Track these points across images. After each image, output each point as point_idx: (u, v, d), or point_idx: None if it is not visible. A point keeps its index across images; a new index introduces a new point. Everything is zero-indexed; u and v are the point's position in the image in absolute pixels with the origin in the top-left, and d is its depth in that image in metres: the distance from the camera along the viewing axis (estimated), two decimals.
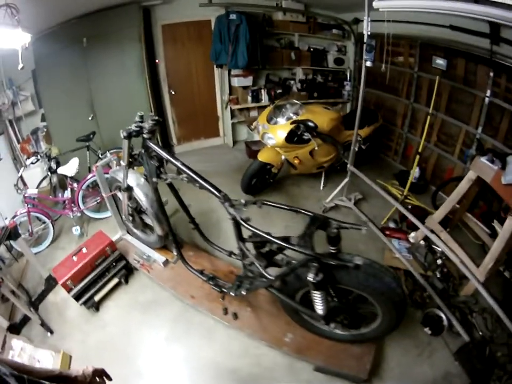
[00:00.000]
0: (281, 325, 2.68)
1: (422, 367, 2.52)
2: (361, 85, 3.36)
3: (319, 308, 2.05)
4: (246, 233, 2.30)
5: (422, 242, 3.24)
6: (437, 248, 3.11)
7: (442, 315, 2.71)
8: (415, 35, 4.11)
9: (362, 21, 3.05)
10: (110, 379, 1.33)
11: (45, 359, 2.61)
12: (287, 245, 1.95)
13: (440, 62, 3.95)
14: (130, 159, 2.72)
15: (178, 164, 2.34)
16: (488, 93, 3.52)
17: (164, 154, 2.43)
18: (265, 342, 2.62)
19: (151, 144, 2.50)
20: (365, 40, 3.00)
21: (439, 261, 3.07)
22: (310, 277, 1.80)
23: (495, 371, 2.39)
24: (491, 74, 3.43)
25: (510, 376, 2.35)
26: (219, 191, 2.17)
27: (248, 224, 2.07)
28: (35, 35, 3.57)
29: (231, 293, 2.56)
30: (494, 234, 3.03)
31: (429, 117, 3.86)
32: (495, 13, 2.01)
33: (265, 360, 2.62)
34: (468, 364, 2.43)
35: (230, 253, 2.83)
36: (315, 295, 1.99)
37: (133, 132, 2.46)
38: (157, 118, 2.56)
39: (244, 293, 2.47)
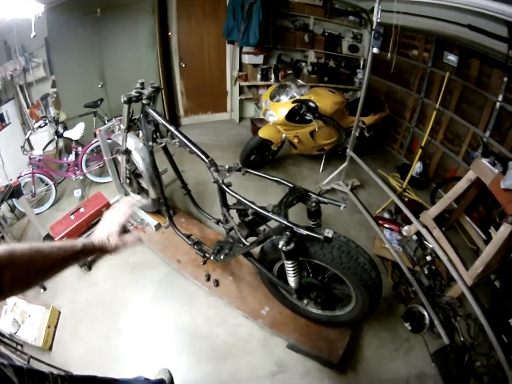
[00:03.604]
0: (259, 297, 2.73)
1: (397, 363, 2.51)
2: (366, 72, 3.33)
3: (291, 279, 2.08)
4: (230, 202, 2.38)
5: (414, 236, 3.22)
6: (428, 244, 3.09)
7: (425, 313, 2.69)
8: (432, 30, 4.03)
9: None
10: None
11: (35, 314, 2.73)
12: (260, 210, 1.99)
13: (451, 58, 3.89)
14: (130, 123, 2.79)
15: (172, 129, 2.40)
16: (500, 97, 3.45)
17: (160, 119, 2.49)
18: (241, 312, 2.66)
19: (149, 109, 2.55)
20: (374, 27, 2.97)
21: (428, 258, 3.05)
22: (281, 245, 1.82)
23: (471, 380, 2.35)
24: (505, 79, 3.36)
25: None
26: (207, 156, 2.22)
27: (228, 188, 2.13)
28: (49, 4, 3.60)
29: (211, 258, 2.63)
30: (489, 241, 2.91)
31: (435, 112, 3.82)
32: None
33: (241, 331, 2.68)
34: (444, 367, 2.40)
35: (218, 221, 2.87)
36: (287, 265, 2.01)
37: (133, 97, 2.52)
38: (156, 85, 2.62)
39: (222, 257, 2.54)
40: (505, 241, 2.30)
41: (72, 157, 4.08)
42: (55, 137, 4.21)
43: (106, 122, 4.32)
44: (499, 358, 2.22)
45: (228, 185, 2.15)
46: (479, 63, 3.66)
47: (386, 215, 3.82)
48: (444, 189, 3.98)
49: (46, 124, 3.97)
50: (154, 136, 2.64)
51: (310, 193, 2.11)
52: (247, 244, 2.25)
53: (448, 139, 4.30)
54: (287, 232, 1.84)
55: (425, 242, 3.13)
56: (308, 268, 2.28)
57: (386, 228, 3.48)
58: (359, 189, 4.32)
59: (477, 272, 2.45)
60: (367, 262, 1.97)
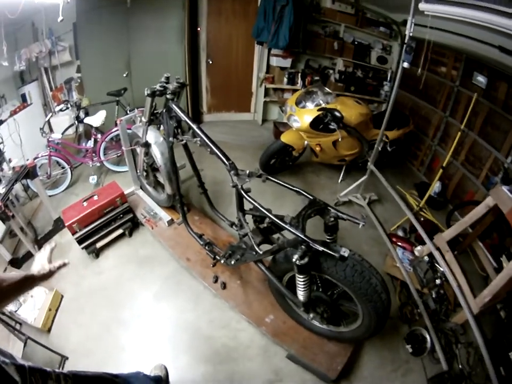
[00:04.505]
0: (265, 305, 2.70)
1: None
2: (394, 86, 3.27)
3: (301, 293, 2.04)
4: (247, 206, 2.32)
5: (426, 258, 3.14)
6: (439, 267, 3.00)
7: (428, 337, 2.64)
8: (462, 48, 3.92)
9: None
10: None
11: (38, 295, 2.74)
12: (278, 221, 1.94)
13: (480, 79, 3.79)
14: (152, 117, 2.78)
15: (194, 127, 2.37)
16: None
17: (183, 116, 2.47)
18: (246, 317, 2.64)
19: (172, 105, 2.54)
20: (406, 41, 2.91)
21: (438, 281, 2.97)
22: (295, 258, 1.79)
23: None
24: None
25: None
26: (227, 158, 2.18)
27: (247, 195, 2.07)
28: None
29: (221, 261, 2.61)
30: (500, 269, 2.86)
31: (459, 133, 3.76)
32: None
33: (242, 336, 2.66)
34: None
35: (232, 224, 2.86)
36: (298, 278, 1.97)
37: (157, 91, 2.51)
38: (182, 81, 2.59)
39: (232, 262, 2.51)
40: None
41: (90, 143, 4.11)
42: (76, 122, 4.25)
43: (128, 112, 4.31)
44: None
45: (247, 191, 2.10)
46: (507, 87, 3.55)
47: (400, 233, 3.74)
48: (460, 212, 3.89)
49: (67, 108, 4.00)
50: (176, 132, 2.61)
51: (329, 208, 2.06)
52: (260, 252, 2.21)
53: (469, 161, 4.19)
54: (303, 246, 1.80)
55: (436, 265, 3.05)
56: (318, 282, 2.24)
57: (399, 246, 3.41)
58: (376, 204, 4.25)
59: (484, 301, 2.37)
60: (378, 284, 1.92)
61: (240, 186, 2.09)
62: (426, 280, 3.00)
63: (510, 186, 2.42)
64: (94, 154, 4.09)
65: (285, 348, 2.50)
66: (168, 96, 2.54)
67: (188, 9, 4.68)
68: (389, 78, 5.66)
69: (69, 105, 3.99)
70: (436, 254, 2.86)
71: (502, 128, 3.68)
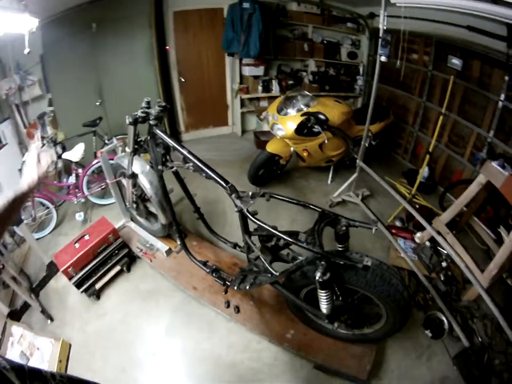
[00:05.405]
0: (283, 321, 2.65)
1: (421, 370, 2.50)
2: (374, 80, 3.28)
3: (324, 306, 2.00)
4: (252, 226, 2.24)
5: (427, 243, 3.19)
6: (442, 250, 3.07)
7: (444, 318, 2.68)
8: (431, 33, 4.01)
9: (378, 15, 2.98)
10: None
11: (44, 347, 2.59)
12: (295, 242, 1.89)
13: (455, 61, 3.84)
14: (136, 146, 2.64)
15: (185, 152, 2.26)
16: (502, 97, 3.42)
17: (170, 142, 2.35)
18: (266, 337, 2.58)
19: (157, 130, 2.41)
20: (381, 35, 2.92)
21: (443, 264, 3.03)
22: (318, 276, 1.75)
23: (492, 379, 2.36)
24: (506, 78, 3.32)
25: None
26: (226, 182, 2.09)
27: (255, 218, 1.99)
28: (43, 20, 3.49)
29: (234, 287, 2.51)
30: (499, 240, 2.98)
31: (441, 117, 3.80)
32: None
33: (265, 356, 2.59)
34: (465, 370, 2.41)
35: (235, 245, 2.77)
36: (321, 294, 1.93)
37: (139, 118, 2.38)
38: (164, 104, 2.49)
39: (247, 287, 2.41)
40: None
41: (72, 179, 3.93)
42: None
43: (106, 141, 4.20)
44: None
45: (254, 214, 2.01)
46: (480, 64, 3.64)
47: (397, 223, 3.77)
48: (451, 192, 3.97)
49: (43, 145, 3.84)
50: (164, 159, 2.49)
51: (339, 217, 2.02)
52: (276, 274, 2.12)
53: (452, 141, 4.27)
54: (323, 262, 1.76)
55: (439, 248, 3.12)
56: (337, 291, 2.19)
57: (399, 236, 3.43)
58: (369, 199, 4.26)
59: (492, 274, 2.45)
60: (399, 283, 1.93)
61: (245, 210, 2.00)
62: (433, 265, 3.07)
63: (499, 161, 2.50)
64: (77, 190, 3.92)
65: (310, 359, 2.47)
66: (151, 122, 2.41)
67: (155, 28, 4.61)
68: (361, 72, 5.74)
69: (44, 142, 3.83)
70: (438, 238, 2.91)
71: (480, 105, 3.79)
